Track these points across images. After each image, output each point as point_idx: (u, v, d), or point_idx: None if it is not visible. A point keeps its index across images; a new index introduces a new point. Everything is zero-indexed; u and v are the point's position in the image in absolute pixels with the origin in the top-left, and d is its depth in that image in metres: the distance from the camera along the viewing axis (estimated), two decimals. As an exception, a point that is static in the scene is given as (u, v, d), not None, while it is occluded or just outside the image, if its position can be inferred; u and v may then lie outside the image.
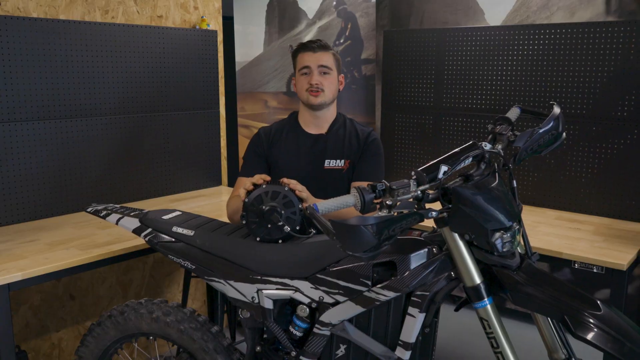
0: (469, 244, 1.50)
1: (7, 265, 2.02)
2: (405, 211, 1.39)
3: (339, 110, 2.37)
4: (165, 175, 3.12)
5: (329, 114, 2.31)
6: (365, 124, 2.46)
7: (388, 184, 1.39)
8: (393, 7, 3.81)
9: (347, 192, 2.25)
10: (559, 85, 2.81)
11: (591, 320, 1.36)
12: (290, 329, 1.76)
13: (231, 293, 1.83)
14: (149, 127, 3.00)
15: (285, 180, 1.92)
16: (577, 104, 2.77)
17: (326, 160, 2.26)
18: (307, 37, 4.30)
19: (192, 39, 3.13)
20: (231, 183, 3.17)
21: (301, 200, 1.90)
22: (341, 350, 1.70)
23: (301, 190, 1.93)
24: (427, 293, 1.54)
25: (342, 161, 2.27)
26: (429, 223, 1.61)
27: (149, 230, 1.97)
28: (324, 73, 2.22)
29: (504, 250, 1.46)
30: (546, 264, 2.94)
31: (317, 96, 2.21)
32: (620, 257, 2.11)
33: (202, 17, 3.24)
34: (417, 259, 1.57)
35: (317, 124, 2.30)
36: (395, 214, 1.37)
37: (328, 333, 1.68)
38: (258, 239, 1.85)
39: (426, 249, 1.58)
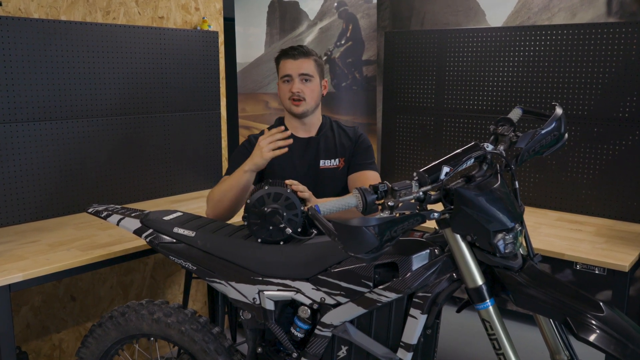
0: (471, 245, 1.50)
1: (8, 266, 2.02)
2: (407, 212, 1.39)
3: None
4: (166, 176, 3.12)
5: (315, 119, 2.32)
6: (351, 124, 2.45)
7: (390, 185, 1.38)
8: (394, 8, 3.81)
9: (344, 189, 2.27)
10: (561, 86, 2.81)
11: (593, 322, 1.36)
12: (291, 330, 1.76)
13: (232, 294, 1.83)
14: (150, 128, 3.00)
15: (288, 181, 1.92)
16: (578, 105, 2.76)
17: (321, 161, 2.28)
18: (309, 39, 4.30)
19: (193, 40, 3.13)
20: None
21: (303, 201, 1.89)
22: (342, 352, 1.69)
23: (303, 191, 1.93)
24: (429, 294, 1.54)
25: (337, 160, 2.29)
26: (430, 224, 1.60)
27: (150, 231, 1.97)
28: (306, 80, 2.21)
29: (506, 251, 1.46)
30: (548, 265, 2.94)
31: (299, 105, 2.22)
32: (622, 259, 2.11)
33: (203, 18, 3.24)
34: (418, 260, 1.57)
35: (305, 128, 2.31)
36: (397, 215, 1.36)
37: (329, 334, 1.68)
38: (259, 240, 1.85)
39: (428, 250, 1.58)
